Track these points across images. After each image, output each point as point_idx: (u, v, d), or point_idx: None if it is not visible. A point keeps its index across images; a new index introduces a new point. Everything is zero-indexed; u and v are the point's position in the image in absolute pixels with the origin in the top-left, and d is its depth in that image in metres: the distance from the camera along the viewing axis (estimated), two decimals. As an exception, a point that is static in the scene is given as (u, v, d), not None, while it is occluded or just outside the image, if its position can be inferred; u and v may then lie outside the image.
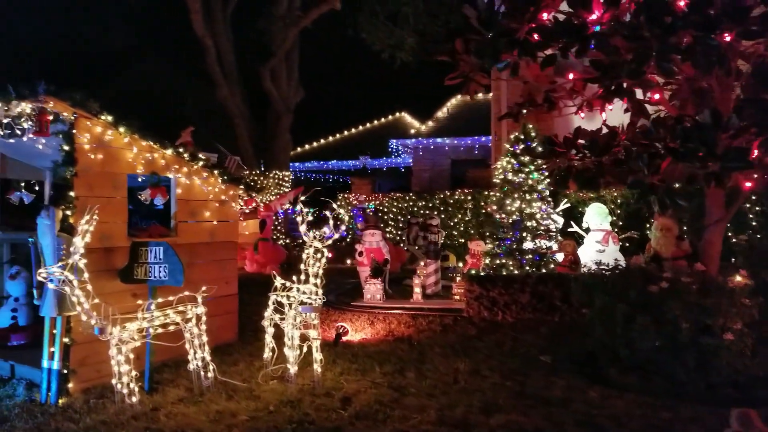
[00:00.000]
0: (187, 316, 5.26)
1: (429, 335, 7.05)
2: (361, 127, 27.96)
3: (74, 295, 4.65)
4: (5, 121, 5.41)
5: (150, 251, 5.39)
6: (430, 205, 14.84)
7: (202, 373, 5.32)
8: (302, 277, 5.37)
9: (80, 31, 26.40)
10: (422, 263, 9.86)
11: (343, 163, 25.44)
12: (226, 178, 6.74)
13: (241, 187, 6.96)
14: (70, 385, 5.21)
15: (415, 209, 15.04)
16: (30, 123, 5.22)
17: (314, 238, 5.32)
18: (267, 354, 5.79)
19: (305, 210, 5.30)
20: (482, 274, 8.32)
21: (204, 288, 5.35)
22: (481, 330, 7.10)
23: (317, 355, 5.33)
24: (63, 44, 25.69)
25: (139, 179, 5.96)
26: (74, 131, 5.26)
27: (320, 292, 5.32)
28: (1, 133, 5.54)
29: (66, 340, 5.16)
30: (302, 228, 5.33)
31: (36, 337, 6.43)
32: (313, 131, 27.53)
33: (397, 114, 27.89)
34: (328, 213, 5.42)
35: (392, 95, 31.36)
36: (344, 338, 6.82)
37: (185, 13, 18.18)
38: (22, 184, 7.15)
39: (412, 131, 22.75)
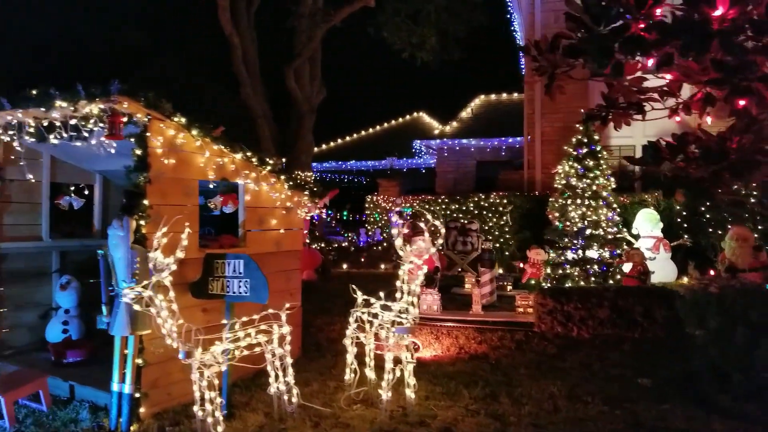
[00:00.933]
0: (272, 335, 4.83)
1: (505, 353, 6.62)
2: (378, 127, 27.51)
3: (159, 317, 4.22)
4: (72, 122, 4.98)
5: (228, 264, 4.94)
6: (464, 208, 14.41)
7: (285, 397, 4.89)
8: (398, 294, 4.95)
9: (94, 30, 25.99)
10: (465, 271, 9.46)
11: (362, 164, 24.99)
12: (291, 183, 6.31)
13: (306, 193, 6.53)
14: (142, 409, 4.79)
15: (448, 212, 14.61)
16: (100, 125, 4.78)
17: (408, 251, 4.90)
18: (348, 375, 5.36)
19: (400, 221, 4.88)
20: (548, 285, 7.90)
21: (288, 305, 4.91)
22: (560, 347, 6.67)
23: (410, 380, 4.90)
24: (77, 42, 25.28)
25: (211, 185, 5.52)
26: (148, 134, 4.84)
27: (415, 311, 4.90)
28: (65, 136, 5.10)
29: (139, 361, 4.73)
30: (398, 241, 4.92)
31: (92, 353, 6.02)
32: (328, 131, 27.09)
33: (415, 114, 27.47)
34: (422, 224, 5.00)
35: (409, 95, 31.02)
36: (416, 355, 6.38)
37: (201, 12, 17.67)
38: (72, 188, 6.71)
39: (436, 131, 22.32)
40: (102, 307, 4.90)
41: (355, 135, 27.26)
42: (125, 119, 4.69)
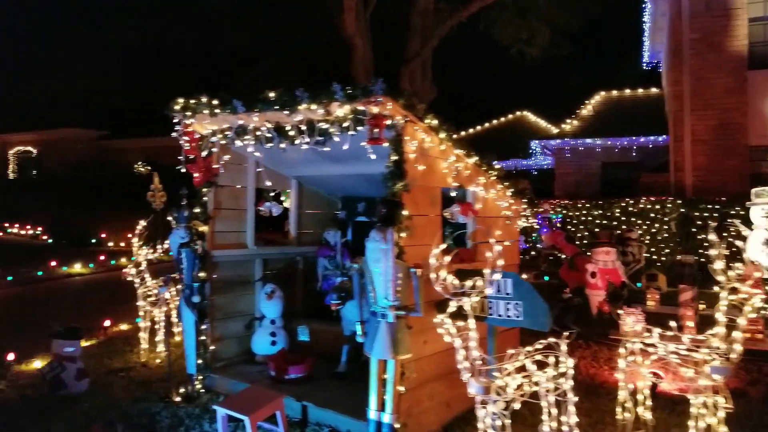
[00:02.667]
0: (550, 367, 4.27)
1: (764, 390, 5.80)
2: (479, 127, 26.73)
3: (466, 348, 3.74)
4: (323, 126, 4.63)
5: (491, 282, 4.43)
6: (608, 214, 13.45)
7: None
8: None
9: (193, 34, 26.65)
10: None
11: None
12: (513, 191, 5.76)
13: (525, 201, 5.97)
14: (399, 441, 4.37)
15: (589, 219, 13.70)
16: (358, 128, 4.40)
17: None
18: (623, 415, 4.71)
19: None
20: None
21: (567, 333, 4.34)
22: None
23: (723, 429, 4.15)
24: (177, 48, 25.98)
25: (452, 193, 5.06)
26: (404, 137, 4.41)
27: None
28: (307, 140, 4.78)
29: (401, 388, 4.31)
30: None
31: (312, 369, 5.70)
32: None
33: (518, 113, 26.51)
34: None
35: (510, 93, 29.94)
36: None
37: (307, 14, 17.36)
38: (272, 194, 6.48)
39: (555, 131, 21.32)
40: (356, 326, 4.52)
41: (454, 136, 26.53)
42: (388, 122, 4.28)
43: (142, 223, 6.79)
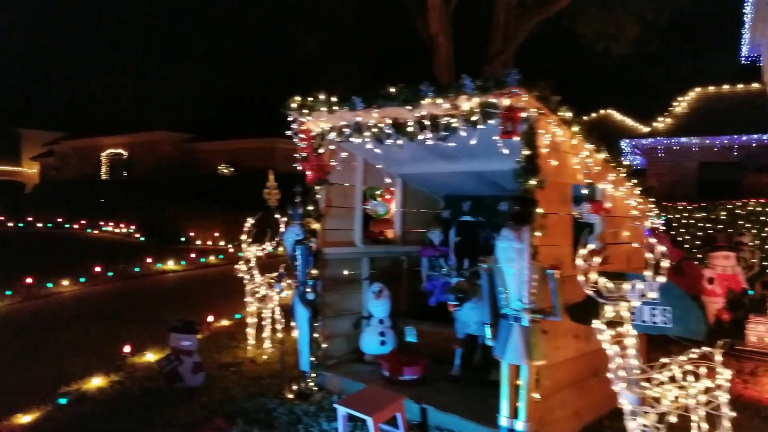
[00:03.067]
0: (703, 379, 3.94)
1: None
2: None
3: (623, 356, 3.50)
4: (446, 121, 4.49)
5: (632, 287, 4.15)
6: (712, 216, 12.63)
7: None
8: None
9: (265, 38, 27.18)
10: None
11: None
12: (641, 189, 5.42)
13: (652, 200, 5.61)
14: (532, 450, 4.15)
15: (691, 221, 12.92)
16: (488, 121, 4.23)
17: None
18: None
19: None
20: None
21: (721, 342, 4.00)
22: None
23: None
24: (255, 56, 26.58)
25: (582, 191, 4.79)
26: (538, 131, 4.19)
27: None
28: (429, 136, 4.65)
29: (536, 395, 4.10)
30: None
31: (426, 371, 5.57)
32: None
33: (602, 111, 25.49)
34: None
35: (596, 91, 28.87)
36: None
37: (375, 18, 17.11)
38: (378, 193, 6.40)
39: (644, 129, 20.34)
40: (485, 328, 4.35)
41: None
42: (523, 115, 4.08)
43: (250, 220, 6.88)
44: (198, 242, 17.57)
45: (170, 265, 14.48)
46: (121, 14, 32.11)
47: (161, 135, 23.03)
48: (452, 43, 16.62)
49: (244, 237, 6.94)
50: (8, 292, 10.29)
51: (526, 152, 4.18)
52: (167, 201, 19.45)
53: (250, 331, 7.18)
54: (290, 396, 5.61)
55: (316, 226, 5.74)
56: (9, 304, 10.00)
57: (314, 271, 5.68)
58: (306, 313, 5.63)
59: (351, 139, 5.28)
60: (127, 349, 7.11)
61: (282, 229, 6.57)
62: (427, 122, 4.57)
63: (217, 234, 17.61)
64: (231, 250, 15.94)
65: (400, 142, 4.97)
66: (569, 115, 4.34)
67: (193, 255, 15.23)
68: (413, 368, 5.46)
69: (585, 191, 4.77)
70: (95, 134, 26.48)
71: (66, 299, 10.82)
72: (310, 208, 5.72)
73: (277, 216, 6.53)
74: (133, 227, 19.66)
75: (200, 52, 26.95)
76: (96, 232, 20.31)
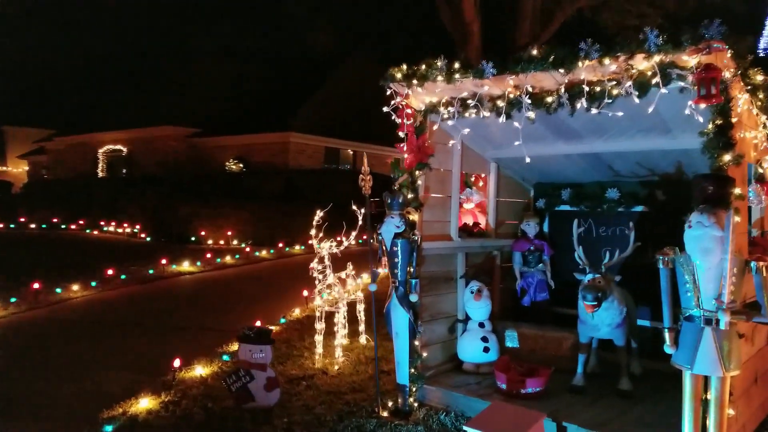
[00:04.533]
0: None
1: None
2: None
3: None
4: (599, 88, 3.78)
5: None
6: None
7: None
8: None
9: (280, 32, 26.37)
10: None
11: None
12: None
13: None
14: (725, 478, 3.46)
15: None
16: (680, 82, 3.52)
17: None
18: None
19: None
20: None
21: None
22: None
23: None
24: (267, 48, 25.72)
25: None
26: (734, 96, 3.49)
27: None
28: (581, 104, 3.92)
29: (731, 411, 3.41)
30: None
31: (548, 382, 4.85)
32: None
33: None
34: None
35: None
36: None
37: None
38: (472, 179, 5.67)
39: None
40: (665, 333, 3.64)
41: None
42: (726, 75, 3.38)
43: (320, 213, 6.09)
44: (210, 242, 16.69)
45: (186, 266, 13.60)
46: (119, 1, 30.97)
47: (165, 130, 21.99)
48: (481, 31, 15.99)
49: (313, 232, 6.14)
50: (13, 299, 9.09)
51: (718, 122, 3.48)
52: (175, 199, 18.52)
53: (319, 338, 6.40)
54: (386, 414, 4.87)
55: (414, 217, 4.99)
56: (14, 313, 8.76)
57: (412, 269, 4.93)
58: (406, 318, 4.88)
59: (467, 114, 4.54)
60: (176, 363, 6.25)
61: (360, 222, 5.84)
62: (586, 88, 3.83)
63: (230, 233, 16.74)
64: (306, 246, 15.08)
65: (531, 115, 4.24)
66: (761, 78, 3.64)
67: (209, 255, 14.38)
68: (537, 379, 4.74)
69: (757, 170, 4.10)
70: (91, 130, 25.32)
71: (78, 305, 9.76)
72: (411, 196, 4.96)
73: (355, 207, 5.76)
74: (137, 227, 18.70)
75: (207, 44, 25.95)
76: (96, 232, 19.29)
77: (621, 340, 4.81)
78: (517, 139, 5.03)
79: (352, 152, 22.35)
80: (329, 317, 6.54)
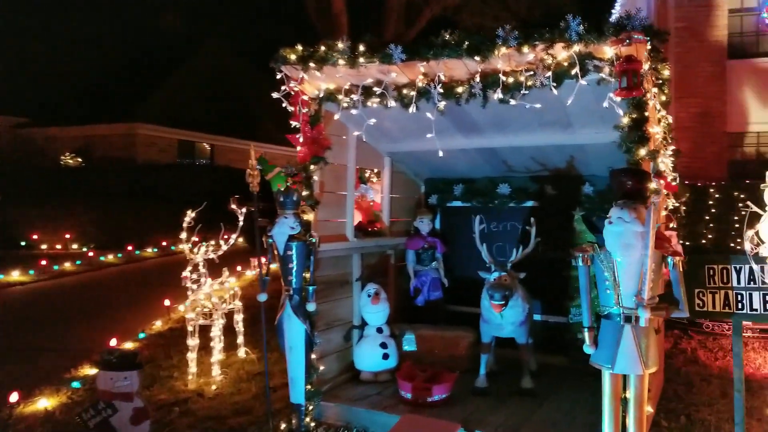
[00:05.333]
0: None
1: None
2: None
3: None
4: (512, 79, 3.59)
5: (737, 271, 3.63)
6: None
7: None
8: None
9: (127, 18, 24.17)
10: None
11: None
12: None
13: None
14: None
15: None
16: (597, 74, 3.41)
17: None
18: None
19: None
20: None
21: None
22: None
23: None
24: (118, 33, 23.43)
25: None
26: (649, 90, 3.48)
27: None
28: (498, 96, 3.71)
29: (649, 408, 3.42)
30: None
31: (454, 387, 4.61)
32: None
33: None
34: None
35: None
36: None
37: None
38: (367, 175, 5.29)
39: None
40: (585, 332, 3.50)
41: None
42: (645, 67, 3.32)
43: (191, 214, 5.32)
44: (44, 246, 14.59)
45: (15, 275, 11.68)
46: None
47: (-22, 119, 18.87)
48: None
49: (183, 235, 5.35)
50: None
51: (634, 115, 3.43)
52: (-2, 198, 15.93)
53: (192, 356, 5.61)
54: (281, 438, 4.34)
55: (309, 216, 4.48)
56: None
57: (306, 275, 4.43)
58: (302, 330, 4.36)
59: (370, 104, 4.14)
60: (13, 396, 5.14)
61: (240, 222, 5.21)
62: (502, 78, 3.61)
63: (68, 236, 14.77)
64: (86, 255, 13.38)
65: (441, 106, 3.96)
66: (667, 74, 3.68)
67: (43, 262, 12.50)
68: (443, 385, 4.49)
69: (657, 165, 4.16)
70: None
71: None
72: (306, 193, 4.45)
73: (234, 207, 5.11)
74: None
75: (37, 23, 22.78)
76: None
77: (524, 337, 4.73)
78: (414, 132, 4.77)
79: (209, 146, 20.92)
80: (202, 330, 5.79)
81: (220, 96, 20.68)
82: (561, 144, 4.78)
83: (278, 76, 4.29)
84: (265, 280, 4.49)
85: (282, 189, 4.30)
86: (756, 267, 3.55)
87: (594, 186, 5.34)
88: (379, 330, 5.07)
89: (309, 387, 4.46)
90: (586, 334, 3.50)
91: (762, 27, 12.31)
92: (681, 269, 3.36)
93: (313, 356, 4.49)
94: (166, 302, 8.01)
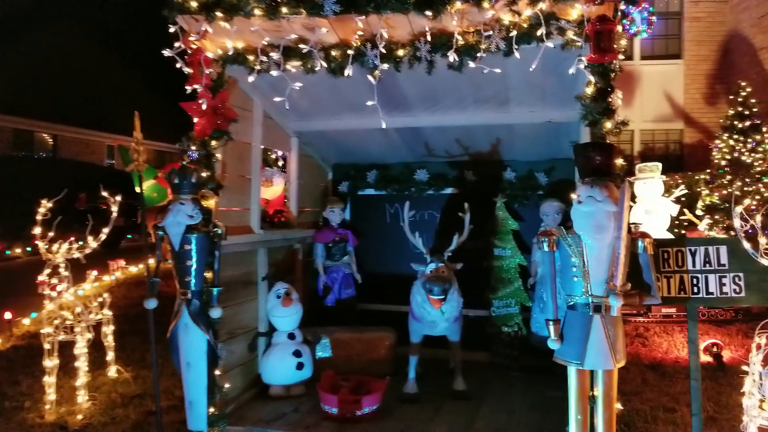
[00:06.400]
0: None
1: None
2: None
3: None
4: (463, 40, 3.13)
5: (693, 253, 3.47)
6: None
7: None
8: None
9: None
10: None
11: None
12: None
13: None
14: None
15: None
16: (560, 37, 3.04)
17: None
18: None
19: None
20: None
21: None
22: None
23: None
24: None
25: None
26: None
27: None
28: (452, 58, 3.21)
29: (619, 405, 3.12)
30: None
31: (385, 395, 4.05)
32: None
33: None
34: None
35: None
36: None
37: None
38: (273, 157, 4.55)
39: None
40: (549, 325, 3.09)
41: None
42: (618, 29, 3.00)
43: (47, 204, 4.21)
44: None
45: None
46: None
47: None
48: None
49: (38, 230, 4.21)
50: None
51: (600, 85, 3.11)
52: None
53: (50, 380, 4.45)
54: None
55: (210, 204, 3.67)
56: None
57: (208, 275, 3.63)
58: (204, 341, 3.55)
59: (290, 67, 3.44)
60: None
61: (115, 213, 4.24)
62: (458, 38, 3.11)
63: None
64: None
65: (377, 72, 3.38)
66: (624, 43, 3.41)
67: None
68: (373, 396, 3.89)
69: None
70: None
71: None
72: (206, 174, 3.63)
73: (106, 194, 4.13)
74: None
75: None
76: None
77: (457, 335, 4.31)
78: (328, 107, 4.15)
79: (51, 137, 18.36)
80: (61, 348, 4.66)
81: (66, 80, 18.22)
82: (491, 124, 4.42)
83: (171, 29, 3.44)
84: (153, 282, 3.59)
85: (177, 169, 3.46)
86: (707, 248, 3.42)
87: (515, 171, 5.08)
88: (291, 336, 4.36)
89: (212, 410, 3.66)
90: (551, 328, 3.12)
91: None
92: (651, 252, 3.09)
93: (217, 372, 3.69)
94: (7, 315, 6.56)
